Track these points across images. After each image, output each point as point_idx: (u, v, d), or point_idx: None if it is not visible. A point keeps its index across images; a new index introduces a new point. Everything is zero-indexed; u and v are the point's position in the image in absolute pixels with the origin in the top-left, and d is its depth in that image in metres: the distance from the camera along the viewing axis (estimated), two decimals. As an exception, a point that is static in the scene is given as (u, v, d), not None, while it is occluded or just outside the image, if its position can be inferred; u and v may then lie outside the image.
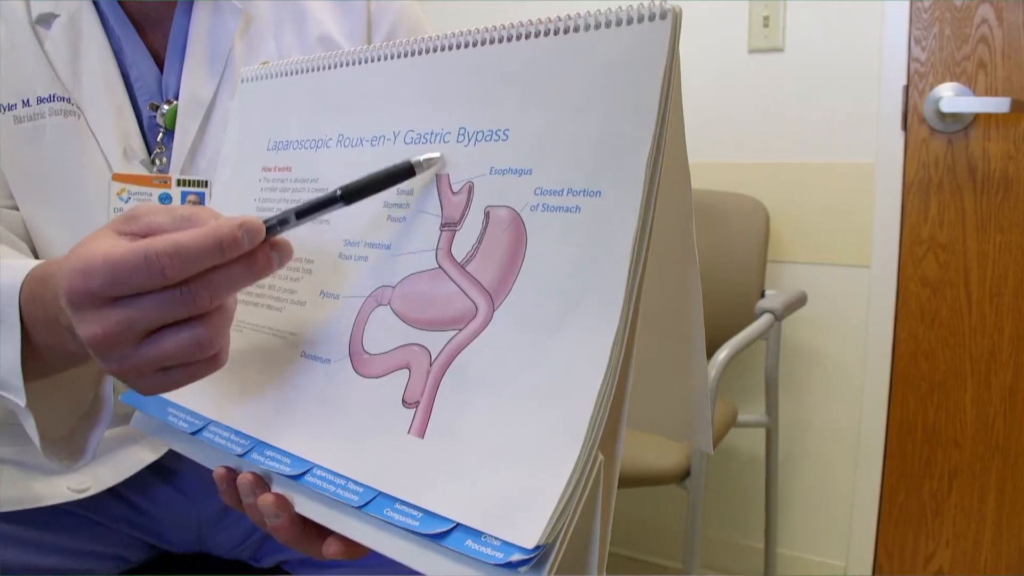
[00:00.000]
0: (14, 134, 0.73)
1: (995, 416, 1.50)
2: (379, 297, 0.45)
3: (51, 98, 0.74)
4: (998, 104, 1.36)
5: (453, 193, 0.43)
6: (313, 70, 0.54)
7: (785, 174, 1.61)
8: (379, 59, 0.50)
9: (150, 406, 0.54)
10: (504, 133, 0.42)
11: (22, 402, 0.52)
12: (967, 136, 1.46)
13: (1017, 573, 1.51)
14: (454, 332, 0.41)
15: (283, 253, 0.43)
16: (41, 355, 0.52)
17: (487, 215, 0.41)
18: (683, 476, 1.28)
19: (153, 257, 0.39)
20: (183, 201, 0.74)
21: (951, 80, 1.46)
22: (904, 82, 1.49)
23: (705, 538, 1.76)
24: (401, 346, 0.43)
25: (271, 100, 0.58)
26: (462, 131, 0.44)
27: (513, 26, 0.43)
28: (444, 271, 0.42)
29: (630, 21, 0.38)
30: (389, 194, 0.46)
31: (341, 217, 0.49)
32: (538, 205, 0.40)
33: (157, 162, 0.75)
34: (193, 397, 0.52)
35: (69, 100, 0.74)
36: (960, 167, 1.47)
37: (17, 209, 0.74)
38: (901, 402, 1.57)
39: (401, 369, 0.42)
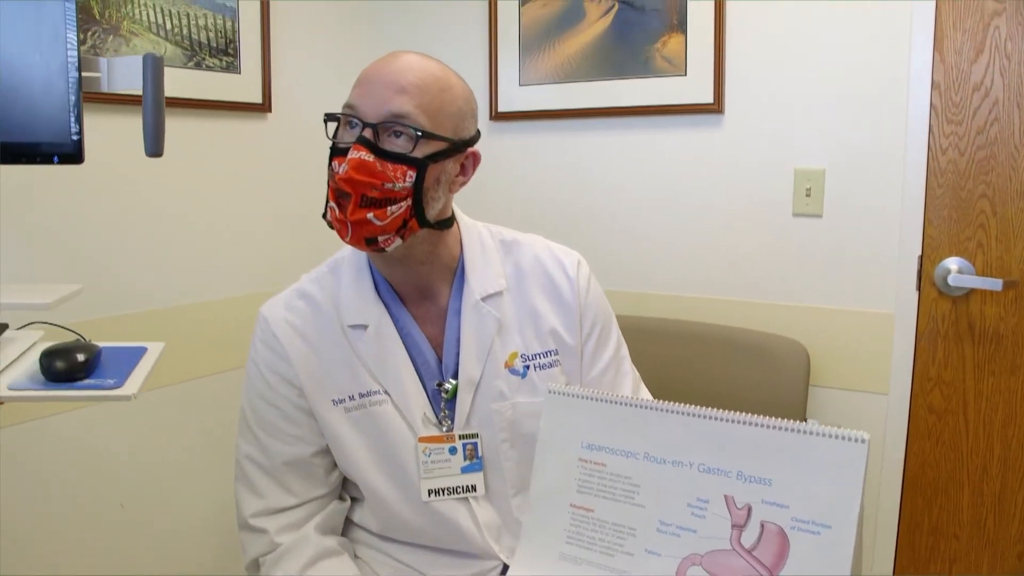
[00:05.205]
0: (344, 420, 1.02)
1: (986, 516, 1.90)
2: (691, 560, 0.82)
3: (369, 393, 1.02)
4: (992, 283, 1.76)
5: (737, 508, 0.81)
6: (613, 403, 0.89)
7: (822, 316, 1.99)
8: (669, 412, 0.86)
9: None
10: (769, 481, 0.79)
11: None
12: (968, 300, 1.86)
13: (1001, 642, 1.90)
14: (748, 590, 0.78)
15: None
16: None
17: (763, 526, 0.79)
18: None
19: None
20: (464, 448, 1.05)
21: (956, 254, 1.86)
22: (919, 252, 1.88)
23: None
24: (714, 590, 0.80)
25: (577, 412, 0.90)
26: (740, 473, 0.81)
27: (772, 421, 0.80)
28: (738, 553, 0.80)
29: (844, 439, 0.76)
30: (691, 498, 0.83)
31: (654, 507, 0.85)
32: (795, 527, 0.77)
33: (444, 424, 1.04)
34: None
35: (381, 391, 1.03)
36: (962, 322, 1.87)
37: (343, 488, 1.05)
38: (911, 503, 1.96)
39: (716, 602, 0.79)
